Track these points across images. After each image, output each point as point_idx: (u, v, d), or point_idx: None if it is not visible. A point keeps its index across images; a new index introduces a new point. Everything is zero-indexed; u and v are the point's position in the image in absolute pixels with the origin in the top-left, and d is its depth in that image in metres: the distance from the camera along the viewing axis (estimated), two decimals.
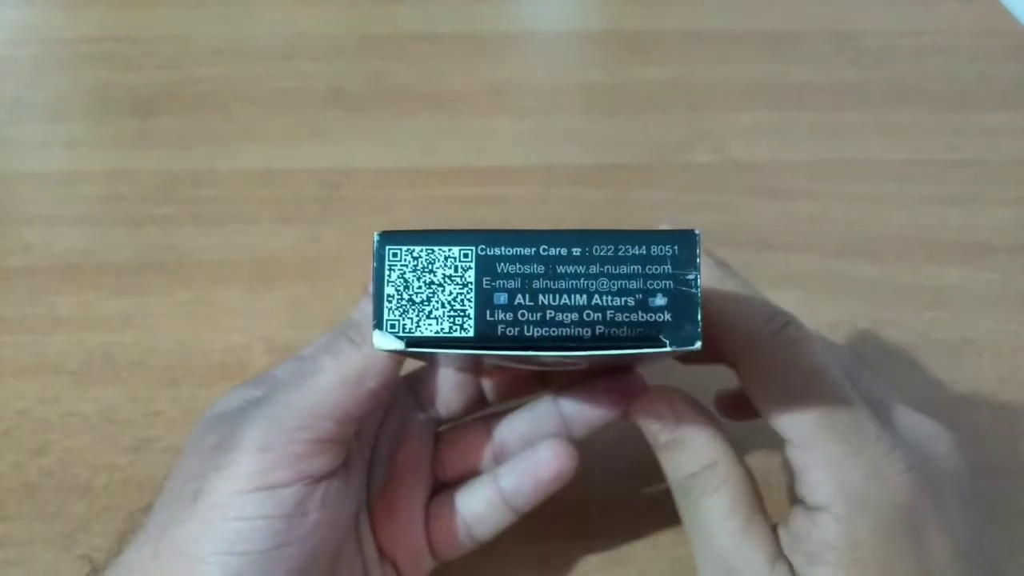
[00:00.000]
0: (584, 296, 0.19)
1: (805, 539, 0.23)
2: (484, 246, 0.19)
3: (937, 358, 0.38)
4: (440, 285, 0.19)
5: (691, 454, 0.25)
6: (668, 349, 0.19)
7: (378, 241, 0.20)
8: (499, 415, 0.30)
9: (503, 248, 0.19)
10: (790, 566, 0.23)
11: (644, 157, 0.48)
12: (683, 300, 0.19)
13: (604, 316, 0.19)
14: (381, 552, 0.28)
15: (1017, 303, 0.40)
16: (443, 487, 0.29)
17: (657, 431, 0.25)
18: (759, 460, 0.24)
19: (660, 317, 0.19)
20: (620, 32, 0.58)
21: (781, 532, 0.24)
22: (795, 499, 0.24)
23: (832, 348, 0.30)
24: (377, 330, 0.19)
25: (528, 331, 0.19)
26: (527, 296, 0.19)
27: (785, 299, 0.39)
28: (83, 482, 0.33)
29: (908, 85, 0.53)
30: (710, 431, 0.25)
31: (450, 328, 0.19)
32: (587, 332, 0.19)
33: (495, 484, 0.28)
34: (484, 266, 0.19)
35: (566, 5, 0.63)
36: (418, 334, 0.19)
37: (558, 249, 0.19)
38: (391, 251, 0.20)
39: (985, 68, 0.54)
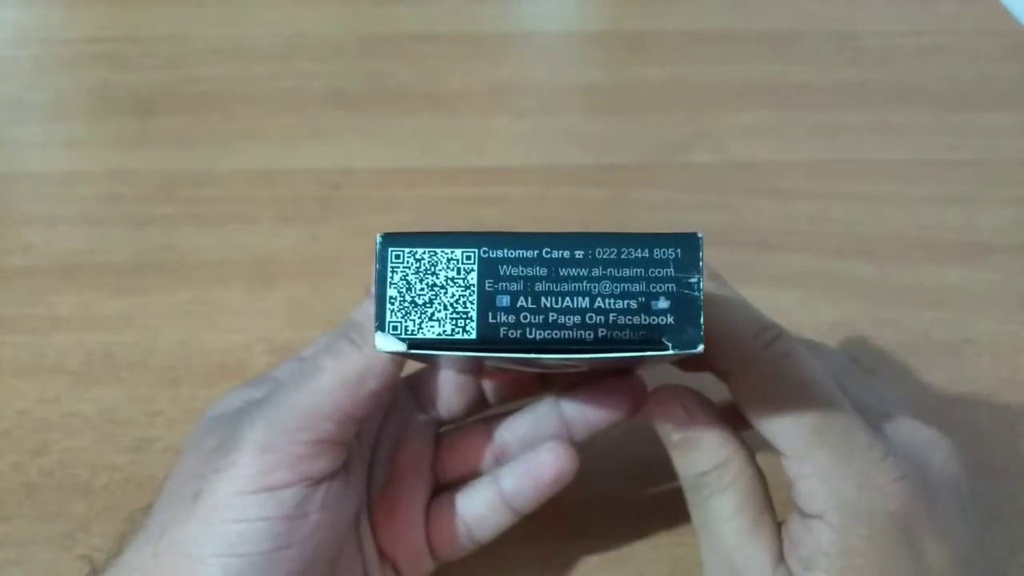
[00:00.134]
0: (586, 299, 0.19)
1: (800, 545, 0.23)
2: (487, 248, 0.19)
3: (937, 358, 0.38)
4: (442, 287, 0.19)
5: (702, 453, 0.25)
6: (670, 352, 0.19)
7: (381, 243, 0.20)
8: (500, 417, 0.30)
9: (506, 250, 0.19)
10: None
11: (644, 157, 0.48)
12: (686, 303, 0.19)
13: (606, 319, 0.19)
14: (381, 553, 0.28)
15: (1017, 303, 0.40)
16: (443, 488, 0.29)
17: (669, 430, 0.25)
18: (770, 460, 0.24)
19: (662, 320, 0.19)
20: (620, 32, 0.58)
21: (782, 535, 0.24)
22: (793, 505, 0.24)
23: (828, 353, 0.30)
24: (379, 332, 0.19)
25: (530, 333, 0.19)
26: (529, 298, 0.19)
27: (785, 299, 0.40)
28: (83, 482, 0.33)
29: (908, 85, 0.53)
30: (722, 431, 0.25)
31: (452, 330, 0.19)
32: (589, 335, 0.19)
33: (496, 486, 0.28)
34: (487, 268, 0.19)
35: (566, 5, 0.63)
36: (420, 336, 0.19)
37: (561, 251, 0.19)
38: (394, 253, 0.20)
39: (985, 68, 0.54)
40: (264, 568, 0.23)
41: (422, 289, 0.19)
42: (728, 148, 0.48)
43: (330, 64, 0.54)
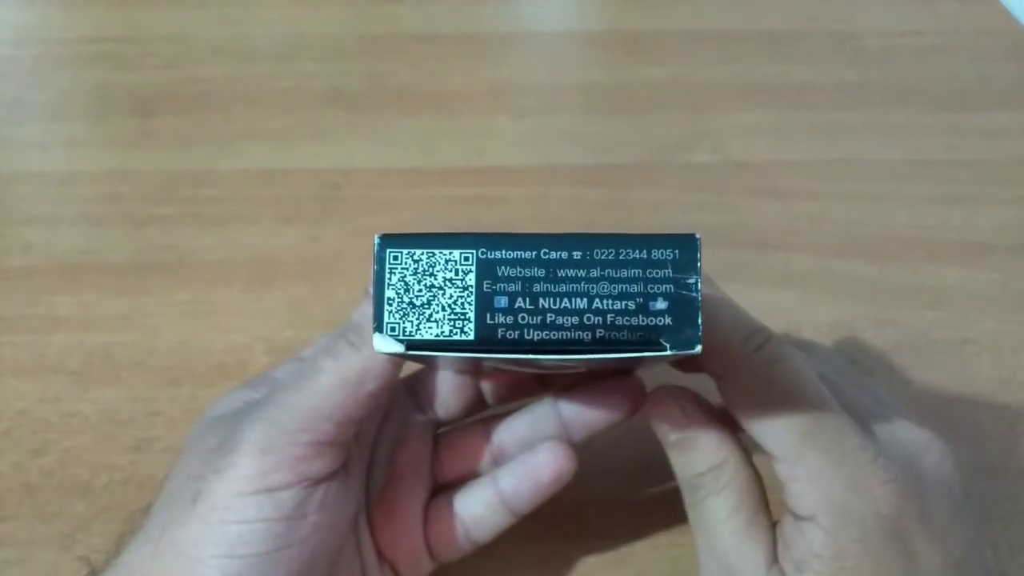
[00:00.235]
0: (585, 300, 0.19)
1: (793, 546, 0.23)
2: (485, 249, 0.19)
3: (937, 358, 0.38)
4: (440, 288, 0.19)
5: (699, 454, 0.25)
6: (669, 353, 0.19)
7: (379, 244, 0.20)
8: (498, 417, 0.30)
9: (504, 251, 0.19)
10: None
11: (644, 157, 0.48)
12: (684, 304, 0.19)
13: (604, 320, 0.19)
14: (380, 554, 0.28)
15: (1017, 303, 0.40)
16: (442, 489, 0.29)
17: (667, 430, 0.25)
18: (767, 461, 0.24)
19: (661, 321, 0.19)
20: (620, 32, 0.58)
21: (776, 536, 0.24)
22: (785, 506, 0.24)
23: (825, 354, 0.30)
24: (377, 333, 0.19)
25: (528, 334, 0.19)
26: (528, 299, 0.19)
27: (785, 299, 0.40)
28: (83, 482, 0.33)
29: (908, 85, 0.53)
30: (719, 432, 0.25)
31: (450, 331, 0.19)
32: (587, 336, 0.19)
33: (494, 486, 0.28)
34: (485, 269, 0.19)
35: (566, 5, 0.63)
36: (418, 337, 0.19)
37: (559, 252, 0.19)
38: (392, 254, 0.20)
39: (985, 68, 0.54)
40: (263, 569, 0.23)
41: (420, 290, 0.19)
42: (728, 148, 0.48)
43: (330, 64, 0.54)
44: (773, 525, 0.25)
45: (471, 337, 0.19)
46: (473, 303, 0.19)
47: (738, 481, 0.24)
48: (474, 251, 0.19)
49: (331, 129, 0.49)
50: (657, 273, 0.19)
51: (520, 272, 0.19)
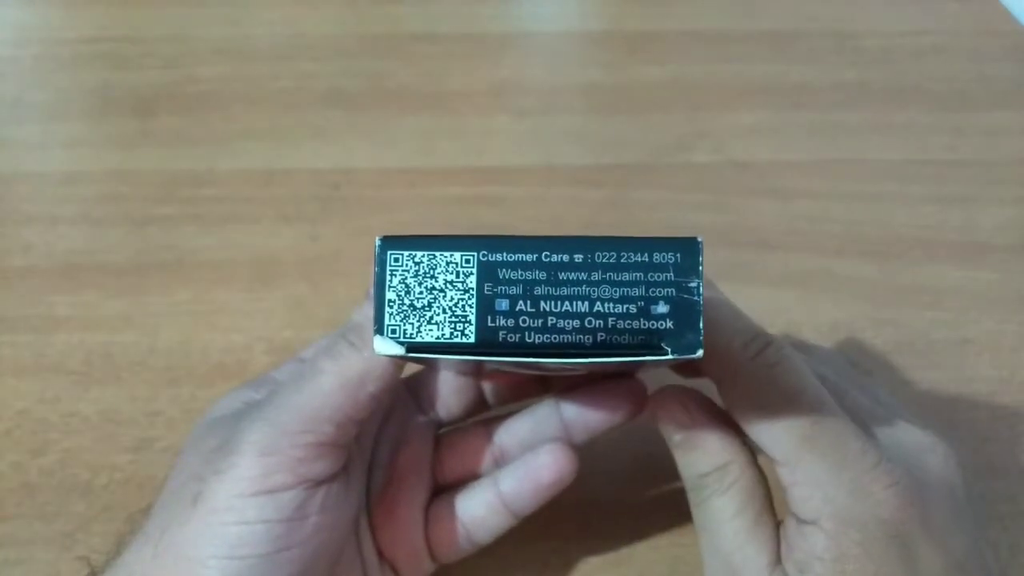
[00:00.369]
0: (586, 303, 0.19)
1: (796, 549, 0.23)
2: (486, 252, 0.19)
3: (937, 358, 0.38)
4: (441, 290, 0.19)
5: (704, 455, 0.25)
6: (670, 357, 0.19)
7: (380, 246, 0.20)
8: (500, 418, 0.30)
9: (505, 254, 0.19)
10: None
11: (644, 157, 0.48)
12: (685, 308, 0.19)
13: (605, 323, 0.19)
14: (380, 555, 0.28)
15: (1017, 303, 0.40)
16: (443, 490, 0.29)
17: (671, 430, 0.25)
18: (771, 462, 0.24)
19: (662, 325, 0.19)
20: (620, 32, 0.58)
21: (779, 537, 0.24)
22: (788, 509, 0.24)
23: (826, 356, 0.30)
24: (378, 335, 0.19)
25: (529, 337, 0.19)
26: (529, 302, 0.19)
27: (785, 299, 0.40)
28: (83, 482, 0.33)
29: (908, 85, 0.53)
30: (724, 432, 0.25)
31: (451, 334, 0.19)
32: (588, 339, 0.19)
33: (495, 488, 0.27)
34: (486, 272, 0.19)
35: (566, 5, 0.63)
36: (419, 339, 0.19)
37: (560, 255, 0.19)
38: (393, 256, 0.20)
39: (985, 68, 0.54)
40: (263, 570, 0.23)
41: (421, 292, 0.19)
42: (728, 148, 0.48)
43: (330, 64, 0.54)
44: (777, 525, 0.25)
45: (472, 340, 0.19)
46: (474, 305, 0.19)
47: (743, 481, 0.24)
48: (475, 253, 0.19)
49: (331, 129, 0.49)
50: (658, 277, 0.19)
51: (521, 275, 0.19)
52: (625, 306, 0.19)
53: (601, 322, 0.19)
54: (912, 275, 0.41)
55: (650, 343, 0.19)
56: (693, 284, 0.19)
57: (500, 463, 0.29)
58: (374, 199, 0.45)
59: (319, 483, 0.24)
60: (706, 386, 0.26)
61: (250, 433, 0.23)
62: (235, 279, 0.41)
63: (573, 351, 0.19)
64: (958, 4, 0.59)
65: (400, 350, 0.19)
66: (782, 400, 0.23)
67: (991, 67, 0.54)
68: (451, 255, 0.19)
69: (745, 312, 0.25)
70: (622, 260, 0.19)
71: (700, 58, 0.55)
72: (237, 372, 0.37)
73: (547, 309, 0.19)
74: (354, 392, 0.23)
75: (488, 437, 0.29)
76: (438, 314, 0.19)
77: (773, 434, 0.23)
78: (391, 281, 0.19)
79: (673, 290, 0.19)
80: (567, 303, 0.19)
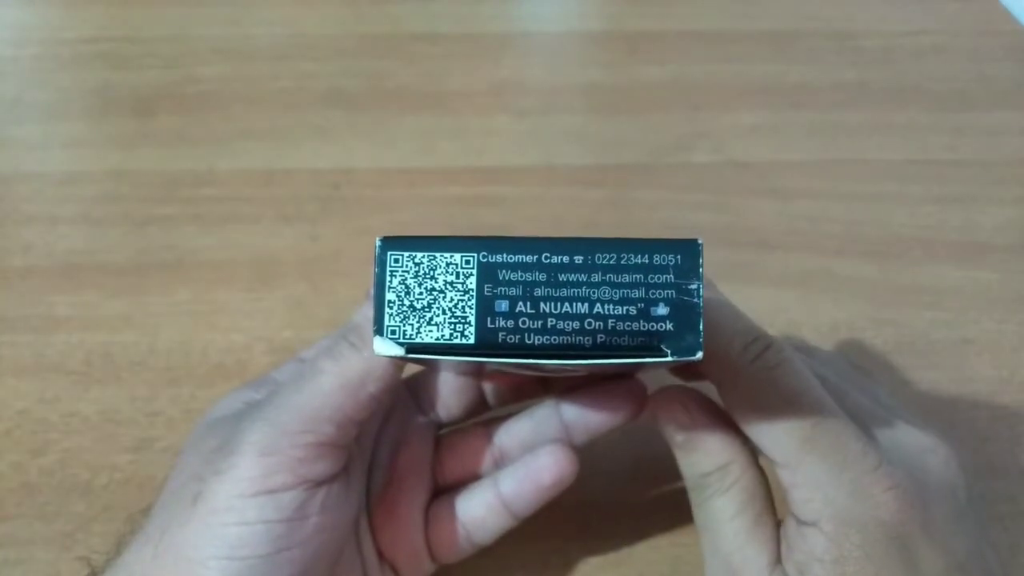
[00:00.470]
0: (586, 304, 0.19)
1: (796, 550, 0.23)
2: (486, 253, 0.19)
3: (937, 358, 0.38)
4: (441, 291, 0.19)
5: (705, 455, 0.25)
6: (669, 359, 0.19)
7: (380, 246, 0.20)
8: (500, 419, 0.30)
9: (505, 255, 0.19)
10: None
11: (644, 157, 0.48)
12: (685, 310, 0.19)
13: (605, 325, 0.19)
14: (381, 555, 0.28)
15: (1017, 303, 0.40)
16: (443, 491, 0.29)
17: (672, 430, 0.25)
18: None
19: (662, 327, 0.19)
20: (620, 32, 0.58)
21: (780, 538, 0.24)
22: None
23: (826, 358, 0.30)
24: (377, 336, 0.19)
25: (529, 339, 0.19)
26: (528, 304, 0.19)
27: (785, 299, 0.40)
28: (83, 482, 0.33)
29: (908, 85, 0.53)
30: (725, 432, 0.25)
31: (451, 335, 0.19)
32: (588, 340, 0.19)
33: (495, 488, 0.28)
34: (486, 273, 0.19)
35: (566, 5, 0.63)
36: (419, 340, 0.19)
37: (560, 257, 0.19)
38: (393, 257, 0.19)
39: (985, 68, 0.54)
40: (264, 571, 0.23)
41: (421, 293, 0.19)
42: (728, 148, 0.48)
43: (330, 64, 0.54)
44: (778, 526, 0.25)
45: (471, 341, 0.19)
46: (474, 307, 0.19)
47: (744, 481, 0.24)
48: (475, 254, 0.19)
49: (331, 129, 0.49)
50: (659, 278, 0.19)
51: (521, 276, 0.19)
52: (625, 308, 0.19)
53: (601, 323, 0.19)
54: (912, 275, 0.41)
55: (650, 345, 0.19)
56: (693, 286, 0.19)
57: (500, 464, 0.29)
58: (374, 199, 0.45)
59: (319, 483, 0.24)
60: (706, 386, 0.26)
61: (250, 433, 0.23)
62: (235, 279, 0.41)
63: (573, 352, 0.19)
64: (958, 4, 0.59)
65: (400, 351, 0.19)
66: (782, 402, 0.23)
67: (991, 67, 0.54)
68: (451, 256, 0.19)
69: (745, 312, 0.25)
70: (622, 262, 0.19)
71: (700, 58, 0.55)
72: (237, 372, 0.37)
73: (547, 310, 0.19)
74: (354, 392, 0.23)
75: (488, 438, 0.29)
76: (438, 315, 0.19)
77: (773, 436, 0.23)
78: (391, 282, 0.19)
79: (673, 292, 0.19)
80: (567, 304, 0.19)
